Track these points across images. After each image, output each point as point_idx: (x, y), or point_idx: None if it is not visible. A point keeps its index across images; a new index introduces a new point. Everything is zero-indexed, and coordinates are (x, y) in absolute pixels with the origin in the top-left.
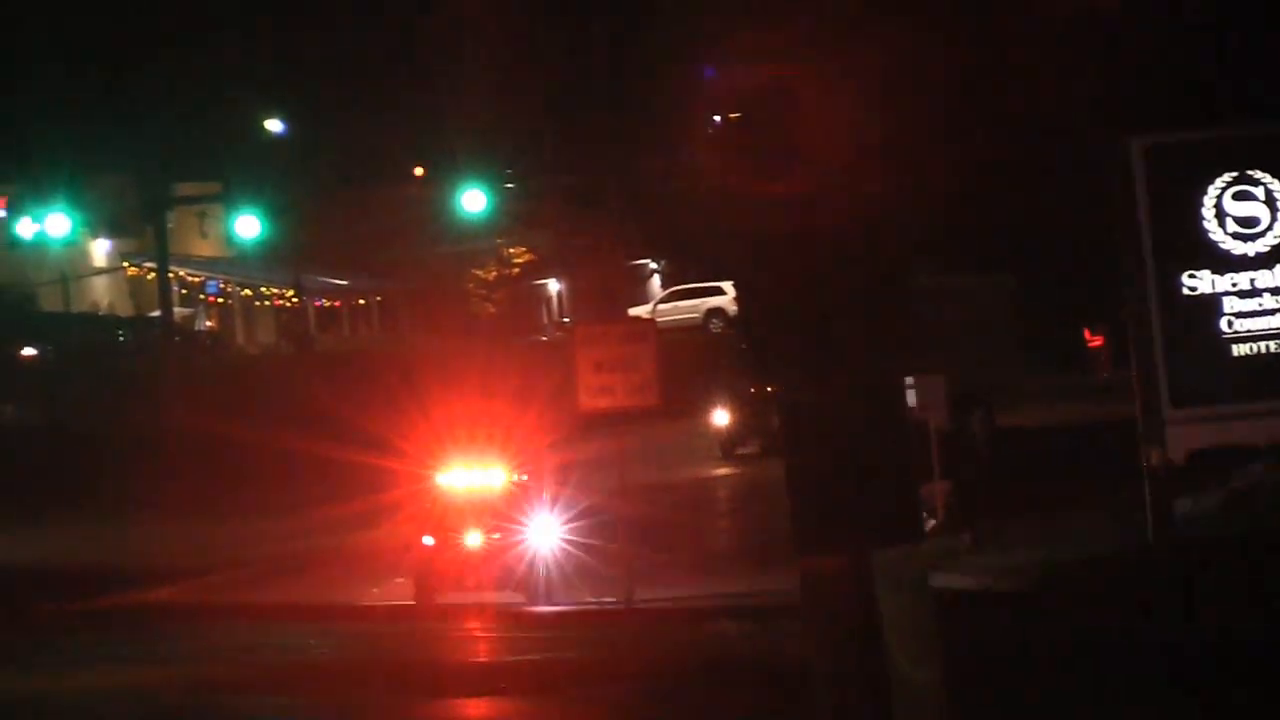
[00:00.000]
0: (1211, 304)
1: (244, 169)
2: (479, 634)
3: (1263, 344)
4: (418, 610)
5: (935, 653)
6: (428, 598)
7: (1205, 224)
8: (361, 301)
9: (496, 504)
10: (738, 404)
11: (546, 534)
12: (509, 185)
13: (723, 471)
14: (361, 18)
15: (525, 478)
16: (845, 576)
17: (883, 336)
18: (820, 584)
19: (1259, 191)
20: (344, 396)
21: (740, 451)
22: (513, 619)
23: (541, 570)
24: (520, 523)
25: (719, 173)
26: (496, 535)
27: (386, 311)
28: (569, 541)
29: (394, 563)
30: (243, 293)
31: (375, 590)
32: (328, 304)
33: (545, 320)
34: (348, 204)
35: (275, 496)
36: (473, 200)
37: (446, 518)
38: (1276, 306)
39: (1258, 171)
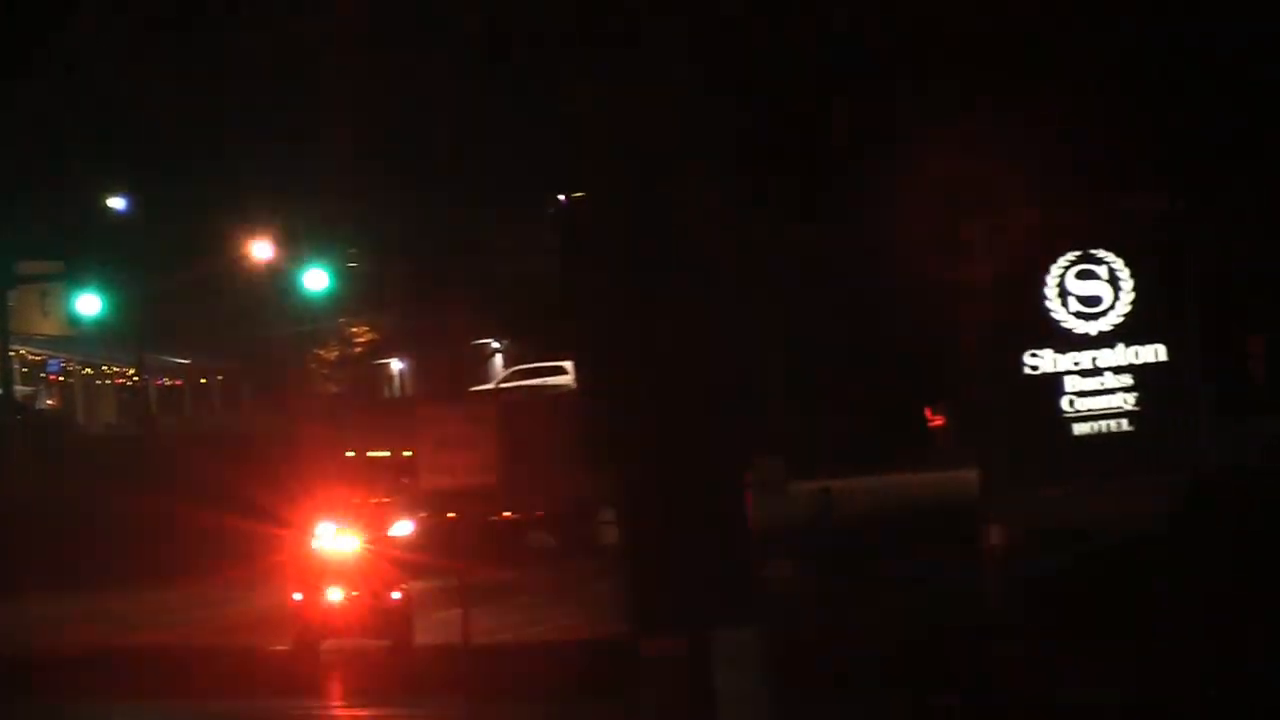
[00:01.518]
0: (1053, 383)
1: (86, 247)
2: None
3: (1103, 423)
4: (295, 656)
5: None
6: (304, 646)
7: (1048, 303)
8: (203, 380)
9: (356, 562)
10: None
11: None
12: (351, 265)
13: None
14: (207, 95)
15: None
16: (683, 656)
17: (722, 426)
18: (657, 663)
19: (1102, 270)
20: (199, 471)
21: None
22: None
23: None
24: (375, 577)
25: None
26: (355, 592)
27: (228, 390)
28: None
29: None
30: (84, 371)
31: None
32: (169, 383)
33: (388, 399)
34: (189, 282)
35: (142, 565)
36: (315, 279)
37: (313, 575)
38: (1118, 386)
39: (1101, 250)
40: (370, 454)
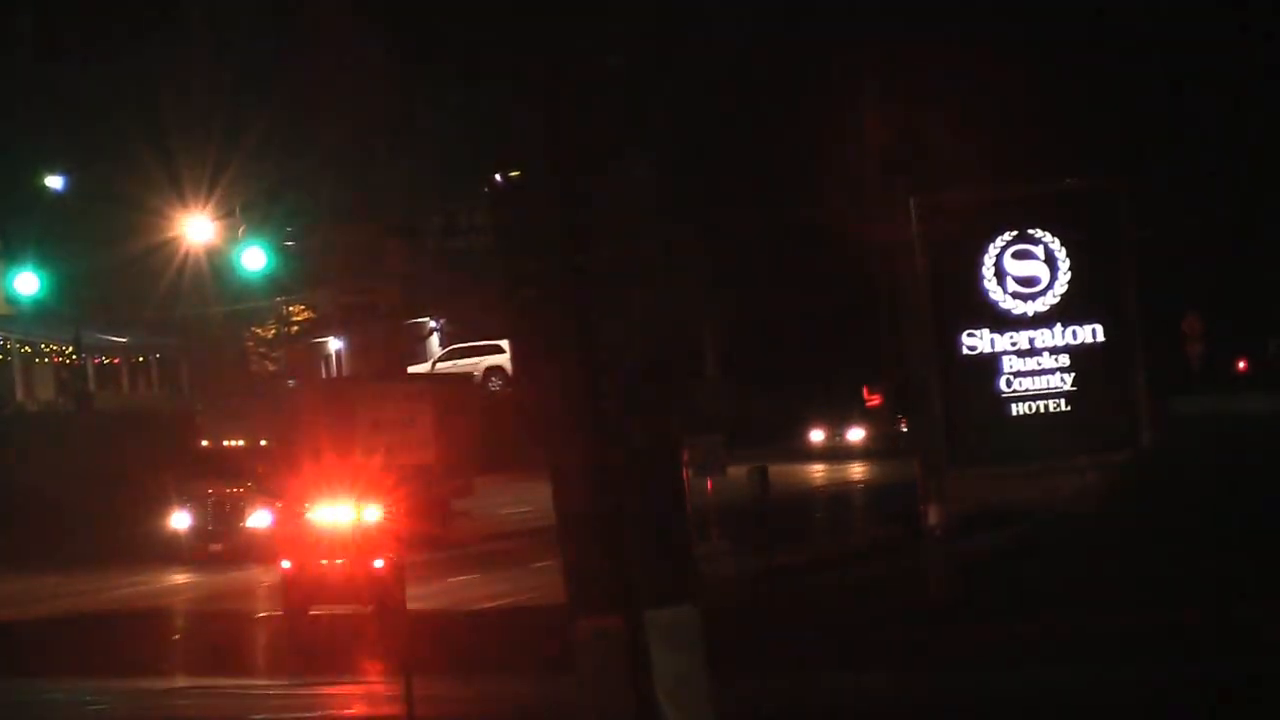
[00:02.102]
0: (990, 363)
1: (23, 225)
2: None
3: (1040, 403)
4: (286, 619)
5: (708, 712)
6: (294, 610)
7: (985, 283)
8: (141, 359)
9: (340, 532)
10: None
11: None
12: (289, 243)
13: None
14: (144, 72)
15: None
16: (619, 636)
17: (654, 404)
18: (594, 643)
19: (1039, 250)
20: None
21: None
22: None
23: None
24: (359, 545)
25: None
26: (340, 560)
27: (166, 368)
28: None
29: None
30: (23, 349)
31: None
32: (107, 361)
33: (324, 378)
34: (127, 261)
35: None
36: (252, 258)
37: (301, 544)
38: (1055, 366)
39: (1038, 230)
40: (226, 443)
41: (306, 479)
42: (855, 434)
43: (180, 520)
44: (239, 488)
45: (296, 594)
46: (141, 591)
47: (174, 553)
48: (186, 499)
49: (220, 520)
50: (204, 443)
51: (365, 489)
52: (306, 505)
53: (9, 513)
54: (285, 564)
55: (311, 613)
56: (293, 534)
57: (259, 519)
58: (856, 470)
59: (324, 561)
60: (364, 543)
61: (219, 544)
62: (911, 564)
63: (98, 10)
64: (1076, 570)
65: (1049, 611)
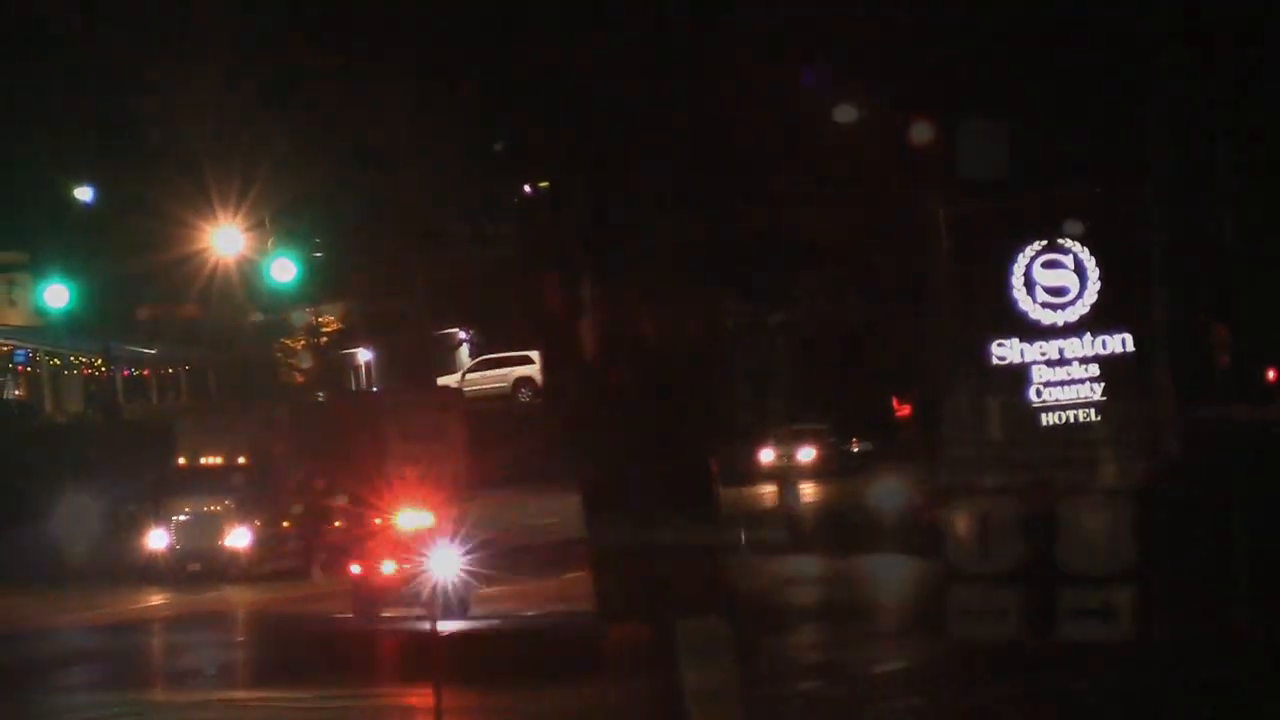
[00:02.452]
0: (1020, 373)
1: (53, 238)
2: None
3: (1070, 413)
4: (355, 621)
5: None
6: (363, 613)
7: (1014, 293)
8: (169, 370)
9: (407, 539)
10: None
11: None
12: (318, 255)
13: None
14: (171, 85)
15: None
16: (650, 646)
17: (689, 422)
18: (625, 653)
19: (1068, 260)
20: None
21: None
22: None
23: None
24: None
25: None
26: (407, 565)
27: (195, 380)
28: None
29: None
30: (51, 361)
31: None
32: (136, 373)
33: (354, 389)
34: (156, 273)
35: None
36: (281, 270)
37: (370, 550)
38: (1085, 376)
39: (1066, 240)
40: (204, 460)
41: (374, 488)
42: (806, 454)
43: (158, 539)
44: (218, 505)
45: (365, 598)
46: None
47: (152, 574)
48: (165, 517)
49: (198, 539)
50: (181, 460)
51: (426, 498)
52: (375, 513)
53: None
54: (355, 569)
55: (384, 615)
56: (362, 540)
57: (238, 538)
58: (884, 476)
59: (391, 567)
60: (429, 549)
61: (197, 564)
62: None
63: (124, 20)
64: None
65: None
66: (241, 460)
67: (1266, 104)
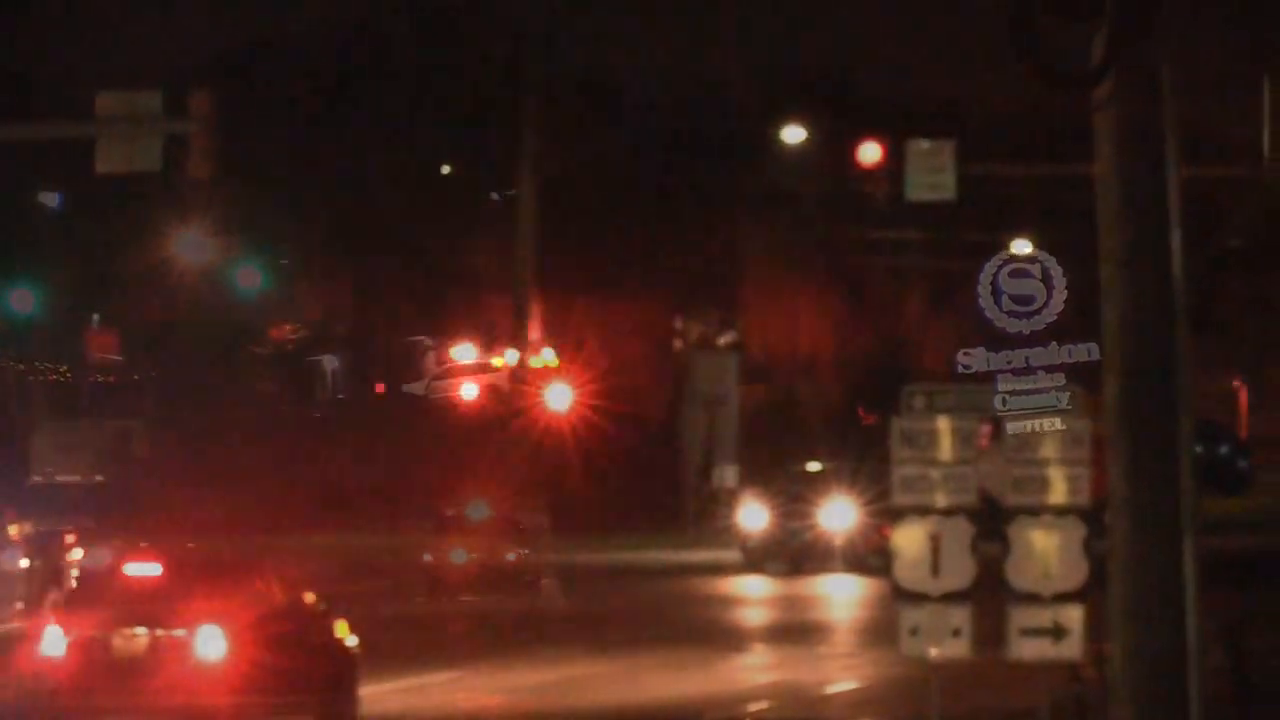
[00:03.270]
0: (985, 383)
1: (19, 244)
2: None
3: (1034, 423)
4: (429, 607)
5: None
6: (436, 599)
7: (980, 301)
8: (136, 377)
9: (476, 529)
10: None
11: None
12: (284, 261)
13: None
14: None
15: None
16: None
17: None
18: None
19: (1034, 269)
20: None
21: None
22: None
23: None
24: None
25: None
26: (475, 554)
27: (163, 387)
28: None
29: None
30: (18, 367)
31: None
32: (103, 379)
33: (320, 397)
34: (123, 279)
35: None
36: (248, 277)
37: (441, 540)
38: (1050, 386)
39: (1034, 250)
40: (60, 478)
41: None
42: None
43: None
44: (70, 528)
45: (437, 583)
46: None
47: None
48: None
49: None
50: (35, 478)
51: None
52: (451, 506)
53: None
54: (426, 557)
55: (461, 599)
56: (434, 531)
57: (95, 560)
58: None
59: (462, 555)
60: (499, 538)
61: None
62: None
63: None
64: None
65: None
66: (98, 479)
67: None
